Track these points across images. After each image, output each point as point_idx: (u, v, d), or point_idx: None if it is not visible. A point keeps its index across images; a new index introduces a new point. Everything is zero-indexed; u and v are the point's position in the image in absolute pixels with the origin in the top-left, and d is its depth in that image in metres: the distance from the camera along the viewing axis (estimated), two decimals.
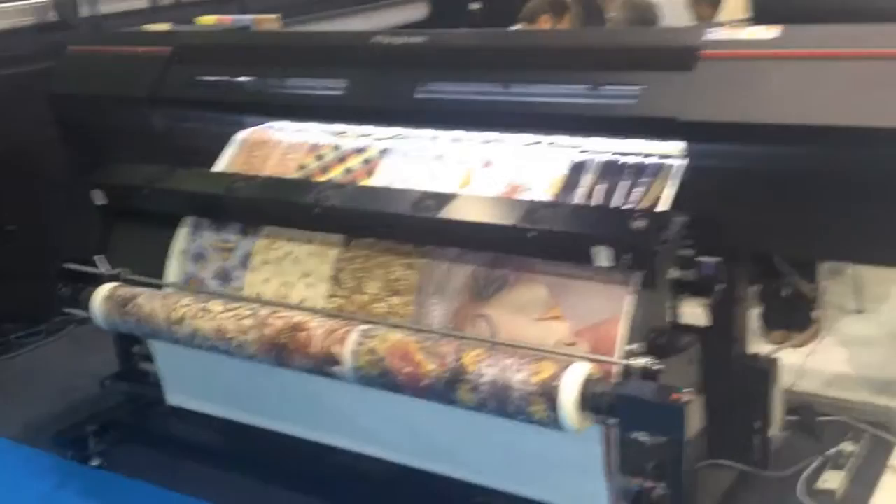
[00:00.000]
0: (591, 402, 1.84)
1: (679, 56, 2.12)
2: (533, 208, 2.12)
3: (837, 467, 2.49)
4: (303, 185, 2.48)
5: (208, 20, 3.43)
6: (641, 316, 2.00)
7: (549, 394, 1.86)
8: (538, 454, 2.10)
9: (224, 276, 2.55)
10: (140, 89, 2.89)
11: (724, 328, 2.28)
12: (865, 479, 2.47)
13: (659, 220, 1.99)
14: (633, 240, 1.95)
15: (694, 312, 2.21)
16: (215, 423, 2.75)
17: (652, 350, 1.95)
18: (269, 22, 3.32)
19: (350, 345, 2.12)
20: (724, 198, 2.10)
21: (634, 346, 1.93)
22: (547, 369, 1.89)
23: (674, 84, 2.11)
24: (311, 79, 2.68)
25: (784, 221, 2.10)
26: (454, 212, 2.18)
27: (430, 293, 2.25)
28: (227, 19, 3.38)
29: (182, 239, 2.65)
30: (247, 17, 3.33)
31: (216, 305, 2.36)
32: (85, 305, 2.58)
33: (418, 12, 6.32)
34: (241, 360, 2.32)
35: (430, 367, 2.01)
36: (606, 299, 2.03)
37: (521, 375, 1.90)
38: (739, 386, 2.29)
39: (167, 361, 2.71)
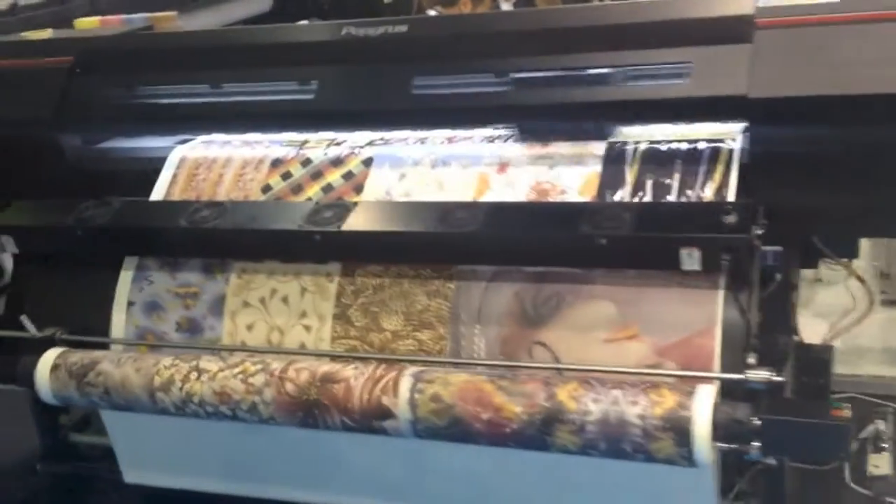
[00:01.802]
0: (730, 429, 1.59)
1: (733, 27, 1.89)
2: (596, 210, 1.84)
3: (879, 450, 2.37)
4: (290, 208, 2.09)
5: (89, 22, 2.93)
6: (737, 323, 1.77)
7: (678, 426, 1.60)
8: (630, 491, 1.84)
9: (192, 327, 2.13)
10: (41, 109, 2.39)
11: (781, 319, 2.09)
12: None
13: (748, 213, 1.76)
14: (729, 237, 1.72)
15: None
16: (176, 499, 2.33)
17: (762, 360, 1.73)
18: (168, 21, 2.86)
19: (404, 393, 1.78)
20: (787, 181, 1.90)
21: (752, 359, 1.69)
22: (668, 398, 1.63)
23: (730, 58, 1.88)
24: (266, 82, 2.28)
25: (851, 201, 1.92)
26: (501, 224, 1.87)
27: (467, 322, 1.94)
28: (114, 20, 2.89)
29: (126, 288, 2.21)
30: (139, 17, 2.86)
31: (210, 363, 1.95)
32: (25, 379, 2.09)
33: (261, 4, 5.87)
34: (251, 424, 1.93)
35: (516, 409, 1.70)
36: (694, 309, 1.79)
37: (638, 408, 1.63)
38: (800, 378, 2.10)
39: (126, 433, 2.26)
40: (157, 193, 2.32)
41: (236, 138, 2.39)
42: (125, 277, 2.22)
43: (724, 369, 1.74)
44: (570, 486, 1.90)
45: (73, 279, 2.28)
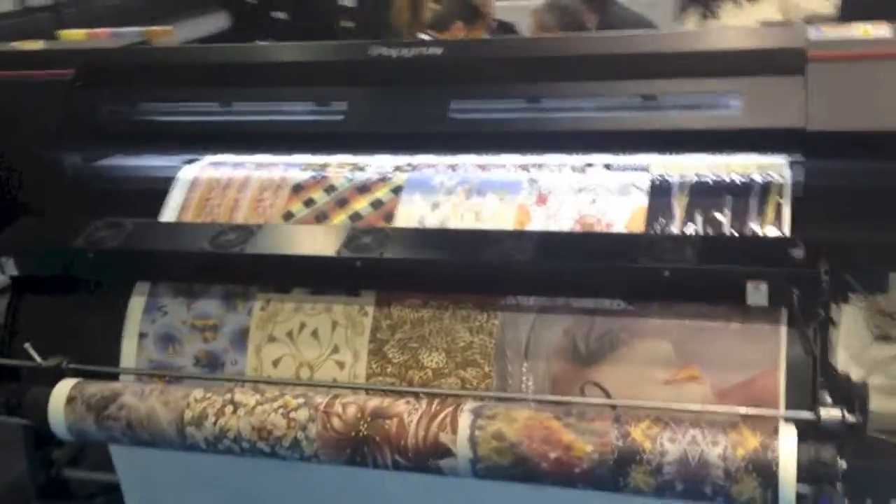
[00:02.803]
0: (815, 472, 1.56)
1: (785, 58, 1.88)
2: (655, 242, 1.80)
3: None
4: (324, 233, 2.00)
5: (75, 34, 2.79)
6: (802, 361, 1.73)
7: (764, 468, 1.55)
8: None
9: (212, 362, 2.01)
10: (43, 123, 2.26)
11: (825, 356, 2.07)
12: None
13: (815, 247, 1.73)
14: (801, 271, 1.69)
15: None
16: None
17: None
18: (165, 35, 2.73)
19: (464, 429, 1.70)
20: (838, 215, 1.88)
21: (828, 399, 1.66)
22: (750, 438, 1.58)
23: (782, 90, 1.86)
24: (287, 102, 2.19)
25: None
26: (556, 254, 1.81)
27: (514, 360, 1.86)
28: (103, 33, 2.76)
29: (137, 318, 2.08)
30: (132, 30, 2.73)
31: (246, 396, 1.84)
32: (34, 411, 1.95)
33: (218, 23, 5.76)
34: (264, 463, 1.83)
35: (587, 448, 1.63)
36: (755, 348, 1.75)
37: (719, 448, 1.58)
38: None
39: (136, 470, 2.12)
40: (167, 217, 2.19)
41: (249, 160, 2.28)
42: (135, 305, 2.10)
43: (790, 409, 1.70)
44: None
45: (78, 306, 2.15)
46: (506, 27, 4.04)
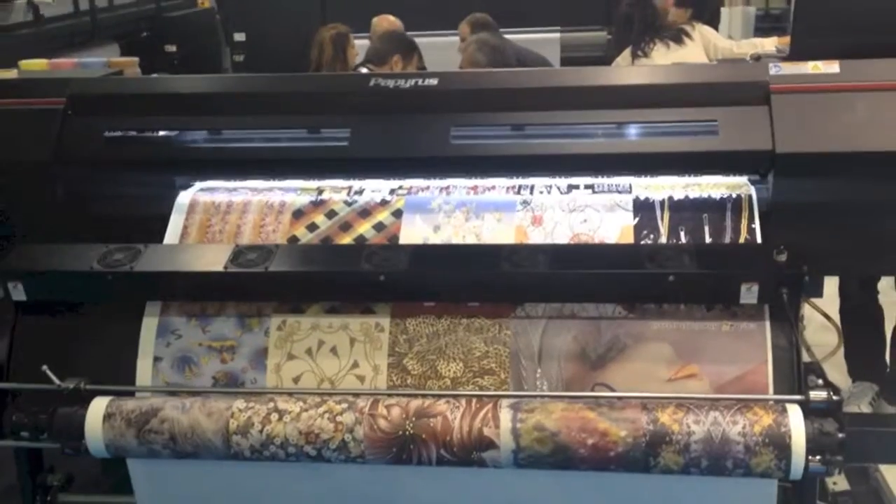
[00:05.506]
0: (819, 442, 1.80)
1: (751, 90, 2.15)
2: (655, 251, 2.02)
3: None
4: (344, 251, 2.13)
5: (36, 64, 2.81)
6: (786, 351, 1.99)
7: (778, 441, 1.79)
8: None
9: (231, 381, 2.10)
10: (38, 150, 2.30)
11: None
12: None
13: (794, 253, 2.00)
14: (789, 272, 1.94)
15: None
16: None
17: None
18: (129, 66, 2.79)
19: (506, 423, 1.86)
20: (802, 226, 2.15)
21: (819, 381, 1.91)
22: (764, 416, 1.82)
23: (752, 118, 2.13)
24: (286, 129, 2.32)
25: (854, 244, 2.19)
26: (569, 262, 2.01)
27: (527, 367, 2.04)
28: (66, 63, 2.79)
29: (150, 341, 2.14)
30: (97, 61, 2.78)
31: (289, 404, 1.94)
32: (66, 430, 1.98)
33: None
34: (335, 464, 1.94)
35: (621, 433, 1.83)
36: (746, 344, 1.99)
37: (738, 427, 1.80)
38: None
39: (154, 484, 2.16)
40: (170, 237, 2.28)
41: (242, 185, 2.38)
42: (148, 327, 2.16)
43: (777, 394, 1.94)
44: None
45: (90, 329, 2.19)
46: None
